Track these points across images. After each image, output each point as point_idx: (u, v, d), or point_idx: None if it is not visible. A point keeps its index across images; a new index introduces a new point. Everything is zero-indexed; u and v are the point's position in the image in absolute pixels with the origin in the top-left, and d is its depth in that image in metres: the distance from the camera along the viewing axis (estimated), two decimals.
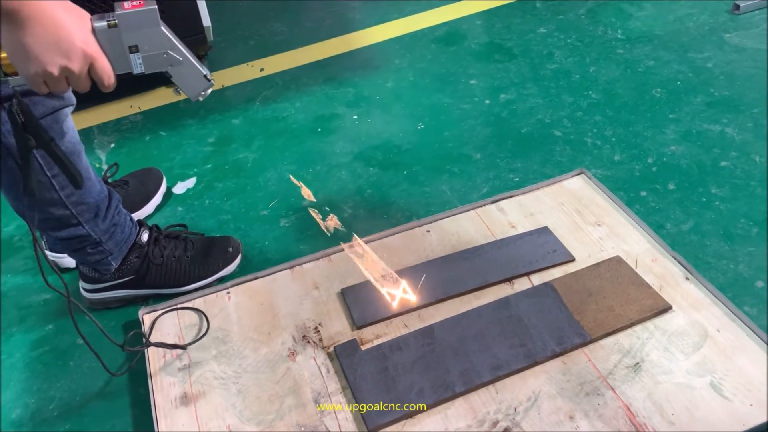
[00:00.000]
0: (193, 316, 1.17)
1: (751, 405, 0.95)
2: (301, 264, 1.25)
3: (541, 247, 1.23)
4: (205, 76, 0.95)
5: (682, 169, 1.41)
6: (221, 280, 1.27)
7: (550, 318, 1.10)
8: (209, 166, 1.57)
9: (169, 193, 1.50)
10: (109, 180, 1.43)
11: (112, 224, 1.16)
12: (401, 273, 1.19)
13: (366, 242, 1.28)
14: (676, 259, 1.18)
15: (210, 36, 1.76)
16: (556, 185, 1.38)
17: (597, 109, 1.61)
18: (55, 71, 0.80)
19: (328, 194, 1.44)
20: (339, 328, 1.13)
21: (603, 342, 1.07)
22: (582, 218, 1.29)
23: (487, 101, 1.68)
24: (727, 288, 1.15)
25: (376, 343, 1.09)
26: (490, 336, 1.07)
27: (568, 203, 1.33)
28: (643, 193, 1.36)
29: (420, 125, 1.63)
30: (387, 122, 1.65)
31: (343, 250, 1.26)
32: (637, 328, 1.08)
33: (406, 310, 1.14)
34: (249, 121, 1.70)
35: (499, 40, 1.93)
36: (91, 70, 0.84)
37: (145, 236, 1.23)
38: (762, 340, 1.04)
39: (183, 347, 1.10)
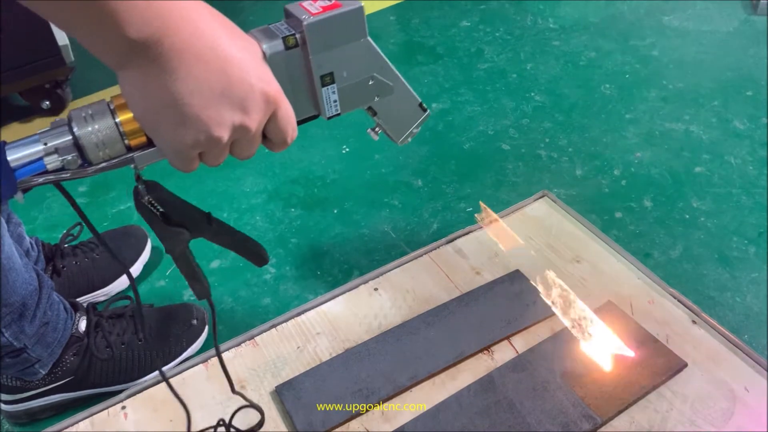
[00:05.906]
0: None
1: None
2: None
3: (517, 297, 1.00)
4: (420, 104, 0.66)
5: (655, 180, 1.22)
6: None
7: (546, 397, 0.87)
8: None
9: (155, 261, 1.15)
10: (72, 243, 1.10)
11: (43, 323, 0.85)
12: (351, 354, 0.93)
13: (300, 313, 1.01)
14: (676, 298, 0.98)
15: (69, 56, 1.41)
16: (518, 213, 1.16)
17: (544, 113, 1.41)
18: (226, 134, 0.48)
19: None
20: None
21: (616, 422, 0.85)
22: (556, 254, 1.07)
23: None
24: (740, 328, 0.97)
25: None
26: None
27: (536, 236, 1.11)
28: (618, 214, 1.17)
29: (345, 148, 1.36)
30: (304, 147, 1.37)
31: (272, 327, 0.99)
32: (652, 397, 0.87)
33: (364, 410, 0.88)
34: None
35: (419, 37, 1.68)
36: (270, 122, 0.52)
37: (83, 324, 0.93)
38: None
39: None
